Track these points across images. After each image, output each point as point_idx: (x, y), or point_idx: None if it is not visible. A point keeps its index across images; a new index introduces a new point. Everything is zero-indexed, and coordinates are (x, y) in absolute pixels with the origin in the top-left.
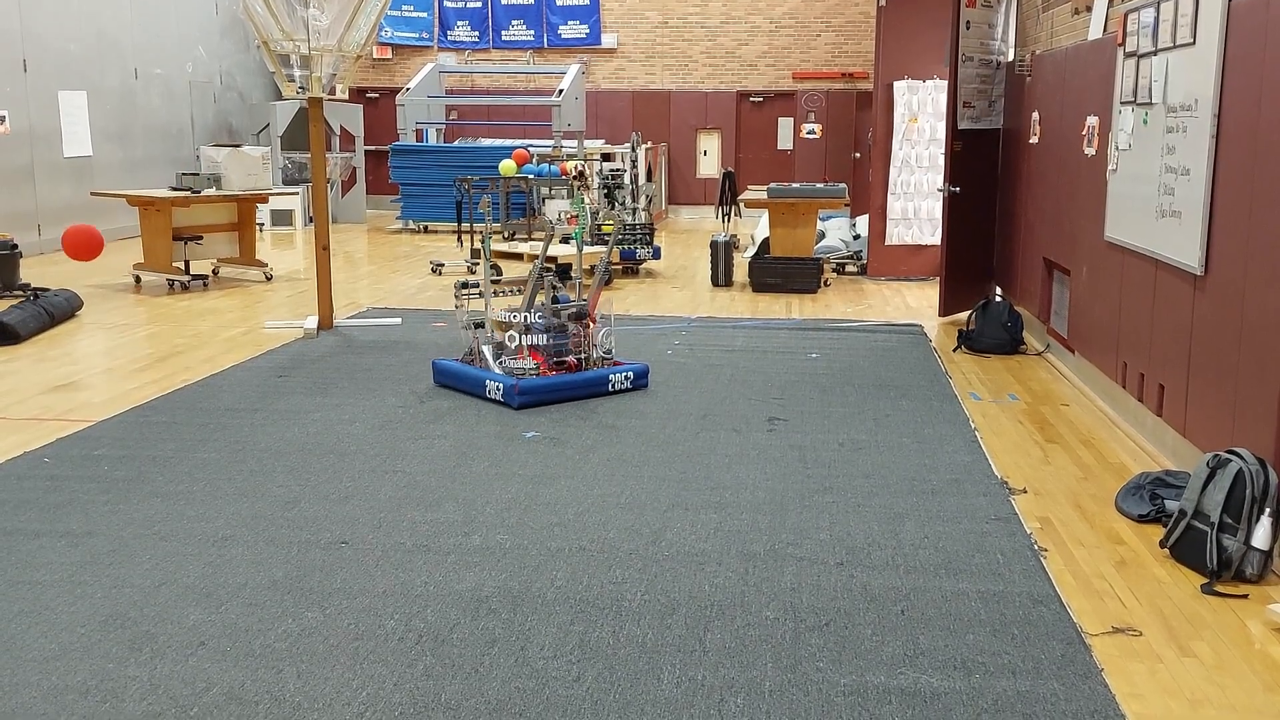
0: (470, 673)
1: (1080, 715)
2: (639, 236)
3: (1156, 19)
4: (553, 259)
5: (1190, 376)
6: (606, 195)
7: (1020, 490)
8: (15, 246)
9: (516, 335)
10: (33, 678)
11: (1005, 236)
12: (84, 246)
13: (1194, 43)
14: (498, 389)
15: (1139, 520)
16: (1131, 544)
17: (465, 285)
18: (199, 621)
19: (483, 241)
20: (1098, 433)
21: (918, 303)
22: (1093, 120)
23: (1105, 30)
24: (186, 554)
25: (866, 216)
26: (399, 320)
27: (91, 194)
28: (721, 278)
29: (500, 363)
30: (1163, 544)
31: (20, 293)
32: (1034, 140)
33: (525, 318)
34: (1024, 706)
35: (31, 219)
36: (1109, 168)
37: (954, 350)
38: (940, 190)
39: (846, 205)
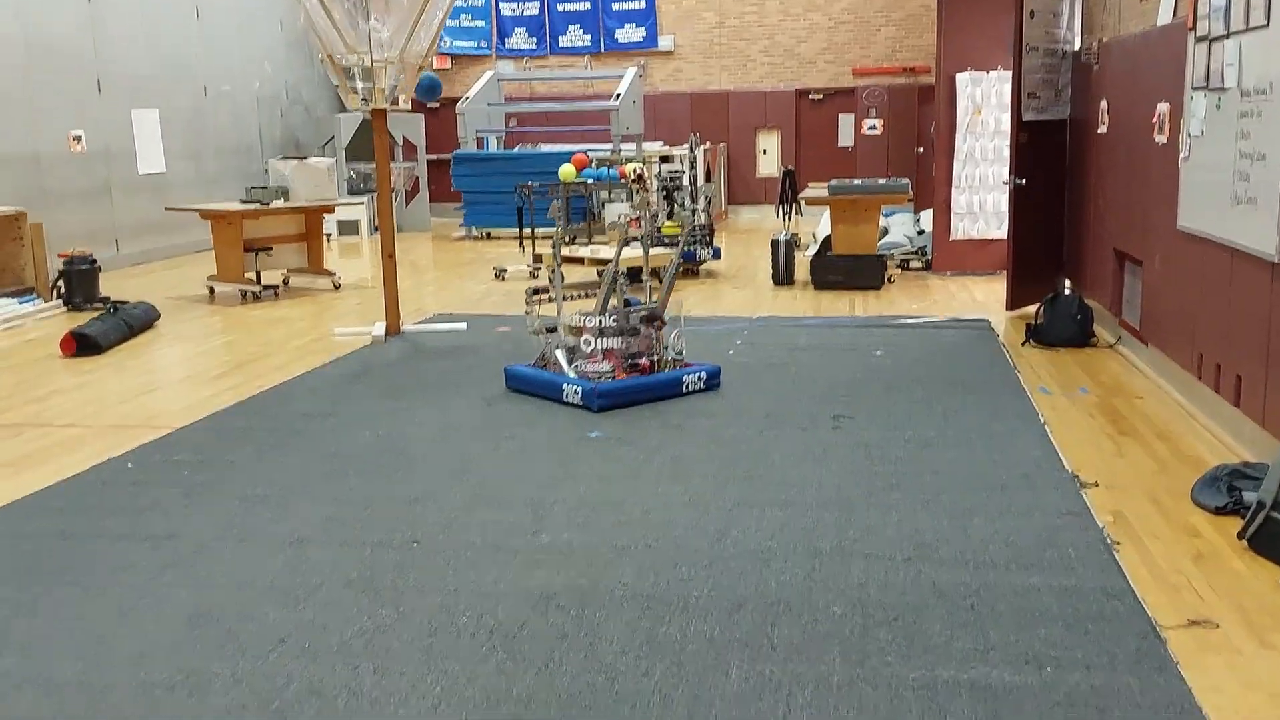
0: (541, 668)
1: (1157, 709)
2: (699, 237)
3: (1228, 1)
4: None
5: (1269, 366)
6: (666, 197)
7: (1092, 484)
8: (95, 261)
9: (591, 339)
10: (122, 676)
11: (1074, 228)
12: None
13: (1268, 24)
14: (576, 393)
15: (1216, 512)
16: (1208, 536)
17: (536, 291)
18: (278, 620)
19: (554, 247)
20: (1173, 425)
21: (984, 297)
22: (1163, 107)
23: (1175, 15)
24: (265, 555)
25: (930, 211)
26: (464, 325)
27: (166, 209)
28: (783, 277)
29: (575, 366)
30: (1241, 536)
31: (100, 305)
32: (1102, 130)
33: (600, 321)
34: (1098, 701)
35: (110, 235)
36: (1181, 155)
37: (1022, 344)
38: (1006, 183)
39: (910, 200)
